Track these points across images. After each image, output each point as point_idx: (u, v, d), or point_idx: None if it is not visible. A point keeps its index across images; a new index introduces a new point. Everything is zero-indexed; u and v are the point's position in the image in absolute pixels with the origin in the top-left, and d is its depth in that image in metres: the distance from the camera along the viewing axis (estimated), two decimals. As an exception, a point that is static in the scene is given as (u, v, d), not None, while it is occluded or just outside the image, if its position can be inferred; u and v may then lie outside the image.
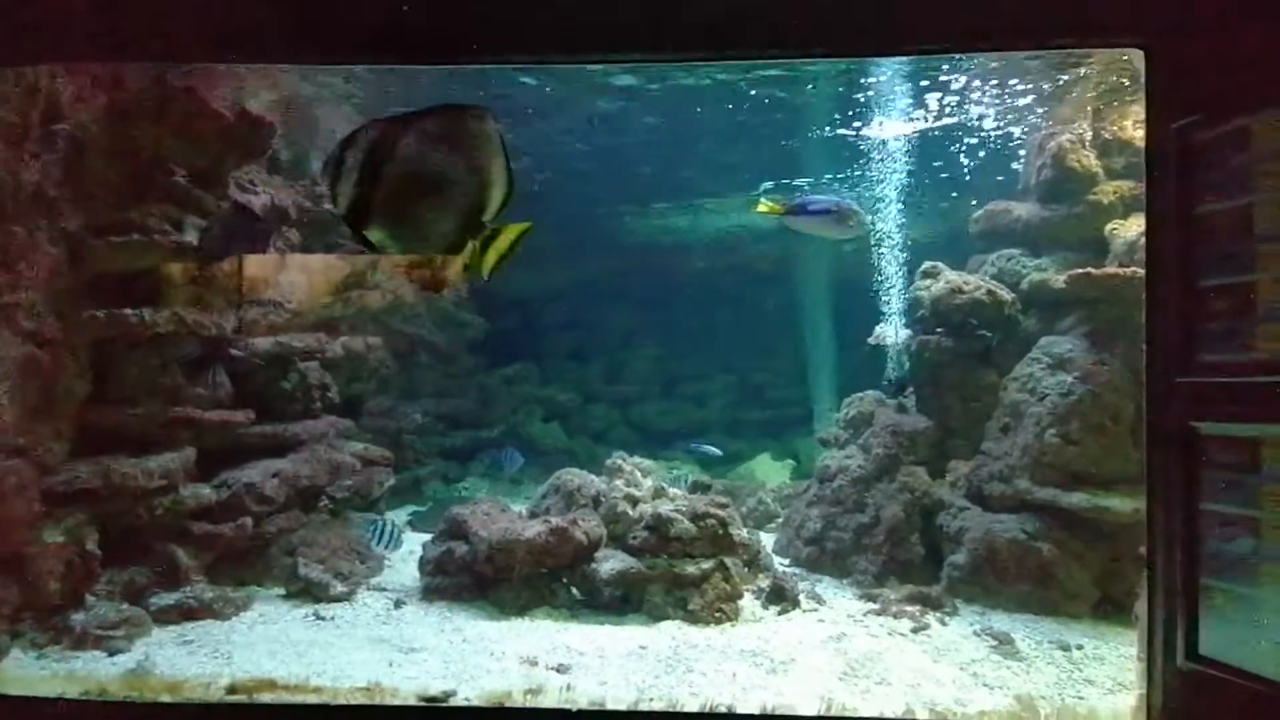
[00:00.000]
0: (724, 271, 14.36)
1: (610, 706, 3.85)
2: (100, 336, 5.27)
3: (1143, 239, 5.94)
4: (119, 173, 5.33)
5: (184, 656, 4.63)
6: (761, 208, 6.69)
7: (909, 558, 6.49)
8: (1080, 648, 5.05)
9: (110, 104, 5.13)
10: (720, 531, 5.80)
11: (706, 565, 5.66)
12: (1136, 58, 3.33)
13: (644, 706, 3.91)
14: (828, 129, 8.65)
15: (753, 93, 7.62)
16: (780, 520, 8.17)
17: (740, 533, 6.03)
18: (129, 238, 5.24)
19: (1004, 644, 5.04)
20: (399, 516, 8.42)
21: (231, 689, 3.97)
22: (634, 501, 6.14)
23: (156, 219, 5.38)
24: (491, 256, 3.03)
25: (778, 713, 3.80)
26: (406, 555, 6.90)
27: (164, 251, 5.38)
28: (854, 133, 8.66)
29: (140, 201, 5.44)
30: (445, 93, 7.55)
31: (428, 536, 6.54)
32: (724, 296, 14.15)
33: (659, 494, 6.30)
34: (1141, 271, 5.67)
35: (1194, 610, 3.11)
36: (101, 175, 5.17)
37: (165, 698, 3.90)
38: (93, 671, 4.36)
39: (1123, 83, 6.53)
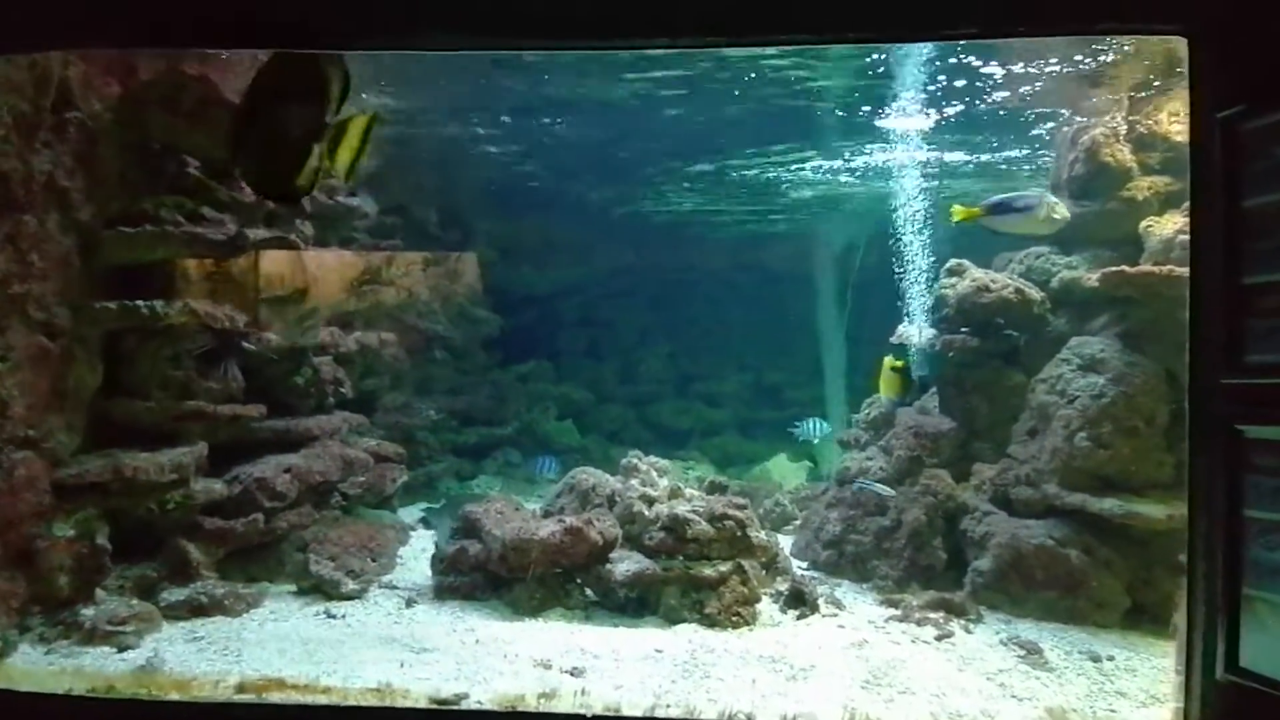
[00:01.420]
0: (740, 269, 14.23)
1: (626, 712, 3.74)
2: (112, 328, 5.22)
3: (1179, 236, 5.83)
4: (131, 162, 5.28)
5: (194, 653, 4.56)
6: (957, 214, 6.45)
7: (931, 563, 6.32)
8: (1111, 659, 4.88)
9: (123, 92, 5.09)
10: (738, 533, 5.67)
11: (724, 567, 5.53)
12: (1180, 45, 3.19)
13: (660, 712, 3.80)
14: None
15: (752, 76, 7.37)
16: (798, 523, 8.03)
17: (758, 535, 5.89)
18: (141, 228, 5.20)
19: (1032, 653, 4.88)
20: (411, 513, 8.36)
21: (241, 688, 3.90)
22: (650, 501, 6.02)
23: (169, 210, 5.33)
24: (345, 155, 2.98)
25: (799, 722, 3.68)
26: (419, 553, 6.85)
27: (176, 243, 5.33)
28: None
29: (153, 192, 5.40)
30: (486, 84, 7.43)
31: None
32: (740, 294, 14.02)
33: (675, 494, 6.19)
34: (1178, 270, 5.56)
35: (1235, 621, 2.95)
36: (114, 165, 5.12)
37: (174, 696, 3.83)
38: (101, 667, 4.30)
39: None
